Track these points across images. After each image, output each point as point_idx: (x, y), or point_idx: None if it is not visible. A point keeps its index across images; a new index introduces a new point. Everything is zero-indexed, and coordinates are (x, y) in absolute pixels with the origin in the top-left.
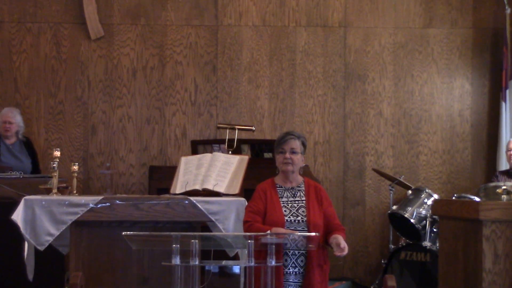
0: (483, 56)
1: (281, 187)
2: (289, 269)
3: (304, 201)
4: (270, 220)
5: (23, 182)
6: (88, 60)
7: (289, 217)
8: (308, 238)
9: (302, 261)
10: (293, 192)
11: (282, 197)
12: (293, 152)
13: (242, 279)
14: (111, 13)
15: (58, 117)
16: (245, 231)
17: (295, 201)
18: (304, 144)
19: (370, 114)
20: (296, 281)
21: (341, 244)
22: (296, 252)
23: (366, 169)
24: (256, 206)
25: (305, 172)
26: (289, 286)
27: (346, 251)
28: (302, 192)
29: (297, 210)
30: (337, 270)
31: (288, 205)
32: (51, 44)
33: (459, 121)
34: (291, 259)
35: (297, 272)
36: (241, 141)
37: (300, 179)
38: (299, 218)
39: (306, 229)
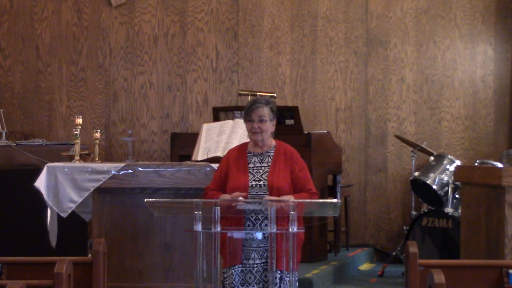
0: (506, 21)
1: (251, 153)
2: (252, 234)
3: (270, 166)
4: (233, 185)
5: (45, 149)
6: (109, 27)
7: (251, 182)
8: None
9: (266, 225)
10: (261, 158)
11: (250, 163)
12: (261, 120)
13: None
14: None
15: (80, 84)
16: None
17: (261, 166)
18: (273, 110)
19: (392, 80)
20: (262, 246)
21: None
22: (260, 216)
23: (388, 135)
24: (218, 172)
25: (327, 138)
26: (253, 251)
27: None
28: (270, 157)
29: (261, 175)
30: (359, 237)
31: (253, 170)
32: (73, 11)
33: (482, 87)
34: (254, 224)
35: (262, 237)
36: None
37: (272, 143)
38: (261, 182)
39: (267, 193)
